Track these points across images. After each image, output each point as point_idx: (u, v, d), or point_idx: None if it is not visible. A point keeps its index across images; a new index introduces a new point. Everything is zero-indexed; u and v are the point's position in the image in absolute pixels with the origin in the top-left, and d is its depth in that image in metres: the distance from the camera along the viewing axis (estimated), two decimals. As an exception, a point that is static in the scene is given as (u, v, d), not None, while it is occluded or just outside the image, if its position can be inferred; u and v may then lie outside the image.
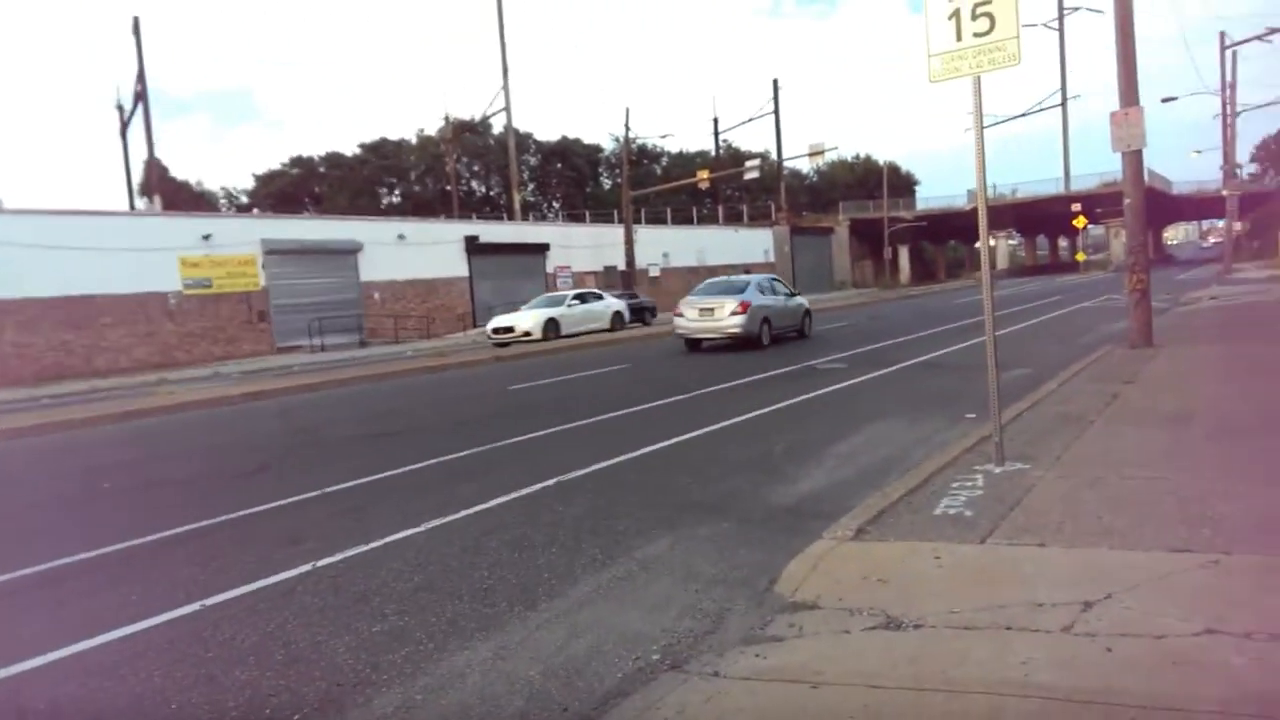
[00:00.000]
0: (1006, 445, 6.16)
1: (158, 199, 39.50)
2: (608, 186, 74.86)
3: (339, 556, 5.22)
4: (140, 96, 38.37)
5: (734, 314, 18.27)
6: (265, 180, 70.08)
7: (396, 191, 73.43)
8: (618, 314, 29.32)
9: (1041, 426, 7.29)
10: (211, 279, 30.98)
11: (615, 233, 42.82)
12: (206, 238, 30.96)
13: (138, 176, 45.70)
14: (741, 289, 19.38)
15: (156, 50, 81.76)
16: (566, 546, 5.17)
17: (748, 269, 58.77)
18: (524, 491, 6.56)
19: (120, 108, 41.16)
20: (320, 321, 32.32)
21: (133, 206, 41.70)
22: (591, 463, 7.40)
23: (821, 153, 38.32)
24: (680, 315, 19.64)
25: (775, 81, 62.02)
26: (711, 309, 18.80)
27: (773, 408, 10.00)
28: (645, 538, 5.24)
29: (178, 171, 62.36)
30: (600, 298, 29.82)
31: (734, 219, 66.59)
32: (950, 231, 74.77)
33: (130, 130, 41.43)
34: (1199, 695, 2.78)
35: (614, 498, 6.31)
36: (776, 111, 60.44)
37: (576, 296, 28.91)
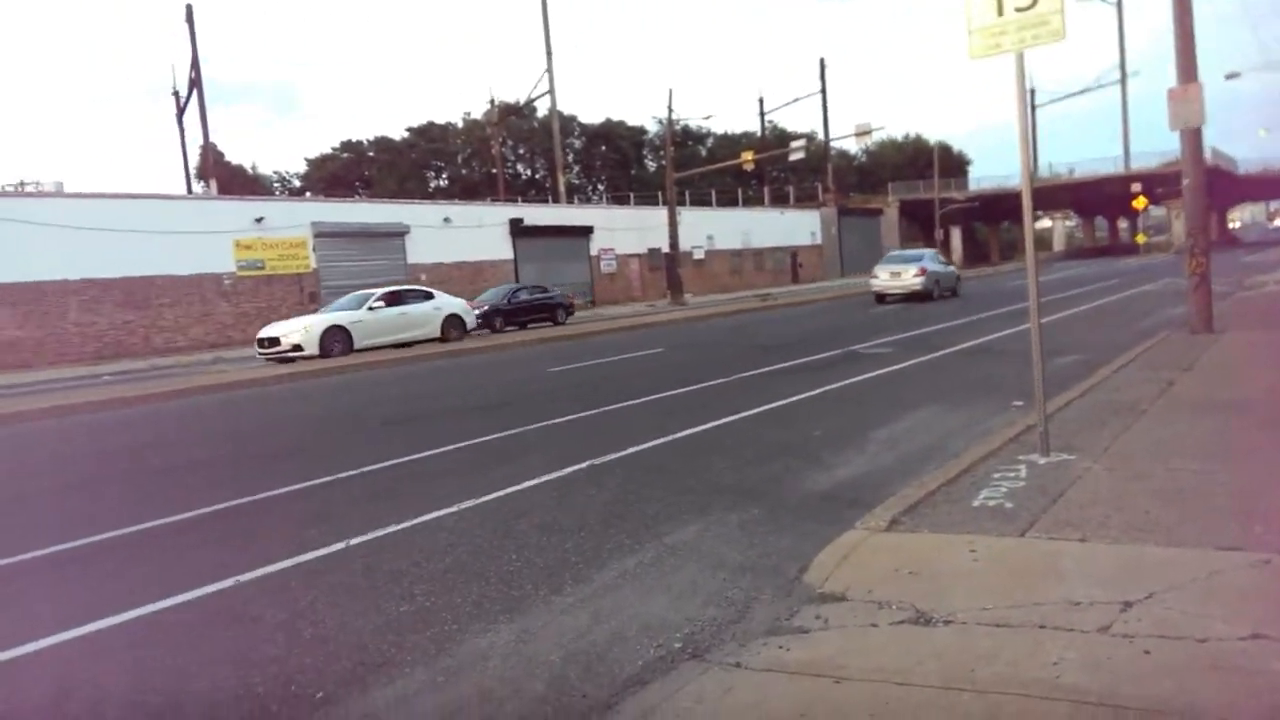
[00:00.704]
0: (1053, 435, 5.97)
1: (213, 183, 40.37)
2: (652, 169, 74.56)
3: (370, 536, 5.27)
4: (195, 83, 39.14)
5: (916, 276, 25.42)
6: (317, 164, 71.19)
7: (444, 175, 74.07)
8: (453, 319, 22.22)
9: (1091, 415, 7.06)
10: (264, 261, 31.60)
11: (659, 215, 42.63)
12: (259, 220, 31.56)
13: (194, 161, 46.71)
14: (919, 259, 26.97)
15: (212, 37, 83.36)
16: (594, 530, 5.15)
17: (794, 252, 58.23)
18: (555, 475, 6.56)
19: (176, 94, 42.06)
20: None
21: (190, 190, 42.64)
22: (625, 446, 7.37)
23: (869, 133, 37.57)
24: (874, 277, 27.01)
25: (822, 61, 61.11)
26: (899, 272, 26.04)
27: (813, 393, 9.87)
28: (675, 523, 5.19)
29: (233, 156, 63.69)
30: (428, 296, 22.41)
31: (780, 200, 65.86)
32: (1004, 212, 73.03)
33: (186, 116, 42.32)
34: (1241, 704, 2.64)
35: (646, 482, 6.27)
36: (823, 91, 59.51)
37: (387, 296, 21.29)
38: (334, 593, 4.42)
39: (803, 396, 9.64)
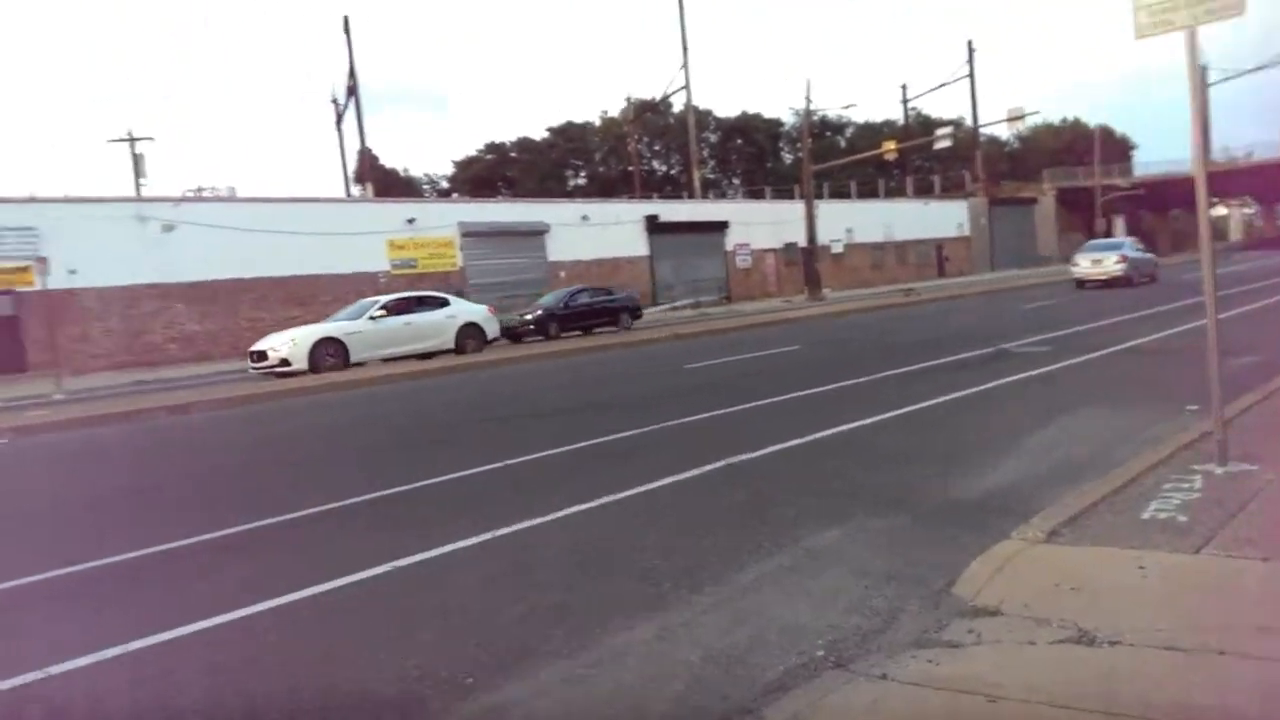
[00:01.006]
0: (1232, 442, 5.48)
1: (369, 186, 42.77)
2: (789, 161, 73.45)
3: (513, 528, 5.43)
4: (352, 91, 41.57)
5: (1117, 263, 27.04)
6: (463, 166, 74.15)
7: (582, 173, 75.60)
8: (469, 329, 20.06)
9: (1275, 422, 6.44)
10: (416, 259, 33.24)
11: (796, 208, 41.97)
12: (411, 221, 33.22)
13: (352, 166, 49.64)
14: (1119, 246, 29.03)
15: (367, 45, 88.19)
16: (732, 531, 5.12)
17: (940, 244, 56.00)
18: (692, 473, 6.56)
19: (335, 102, 44.75)
20: (510, 300, 33.92)
21: (348, 193, 45.33)
22: (762, 446, 7.29)
23: (1021, 118, 35.71)
24: (1075, 265, 28.66)
25: (970, 43, 58.42)
26: (1100, 260, 27.61)
27: (960, 394, 9.45)
28: (814, 526, 5.10)
29: (386, 160, 67.22)
30: (442, 304, 20.33)
31: (924, 191, 63.48)
32: (1173, 200, 67.56)
33: (344, 123, 44.99)
34: None
35: (784, 483, 6.19)
36: (971, 75, 56.95)
37: (391, 304, 19.45)
38: (481, 582, 4.59)
39: (950, 397, 9.25)
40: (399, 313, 19.09)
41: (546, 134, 74.51)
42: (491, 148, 75.03)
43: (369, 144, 44.51)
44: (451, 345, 19.52)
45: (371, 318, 18.60)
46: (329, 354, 17.50)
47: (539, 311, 25.46)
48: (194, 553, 5.53)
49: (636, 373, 14.53)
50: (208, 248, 28.47)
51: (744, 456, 6.97)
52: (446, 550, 5.11)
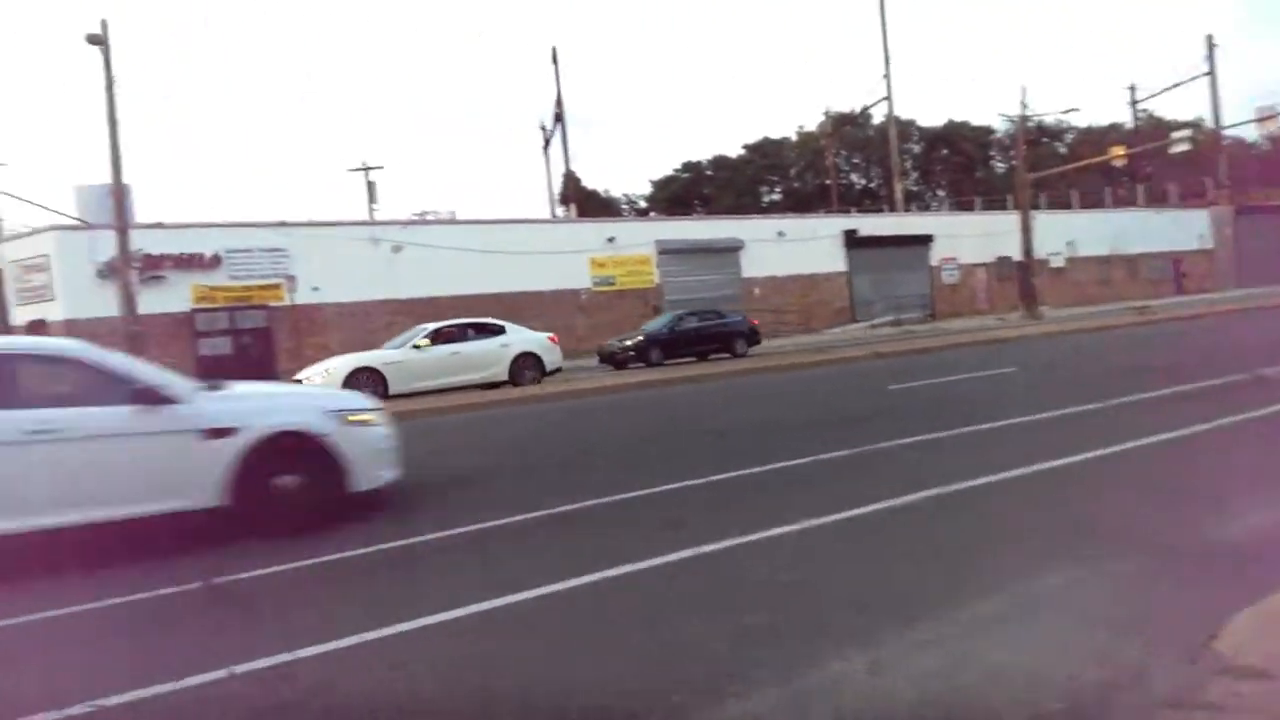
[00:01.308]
0: None
1: (573, 207, 44.70)
2: (1000, 170, 69.30)
3: (718, 546, 5.41)
4: (558, 117, 43.66)
5: None
6: (660, 185, 75.79)
7: (777, 189, 75.08)
8: (526, 359, 18.89)
9: None
10: (615, 276, 34.35)
11: (1009, 220, 39.48)
12: (611, 240, 34.37)
13: (557, 187, 52.08)
14: None
15: (573, 72, 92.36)
16: (948, 564, 4.84)
17: (1178, 258, 50.80)
18: (901, 500, 6.27)
19: (543, 128, 47.12)
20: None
21: (553, 214, 47.57)
22: (978, 475, 6.85)
23: (1273, 117, 31.65)
24: None
25: (1209, 37, 52.72)
26: None
27: (1209, 425, 8.41)
28: (1044, 566, 4.70)
29: (588, 182, 69.91)
30: (497, 332, 19.17)
31: (1159, 200, 57.86)
32: None
33: (550, 148, 47.31)
34: None
35: (1006, 517, 5.78)
36: (1212, 72, 51.44)
37: (437, 332, 18.52)
38: (685, 599, 4.60)
39: (1198, 429, 8.28)
40: (447, 341, 18.21)
41: (742, 151, 74.74)
42: (688, 166, 76.21)
43: (572, 167, 46.56)
44: (505, 377, 18.36)
45: (415, 346, 17.76)
46: (365, 385, 16.18)
47: (639, 338, 24.51)
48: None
49: (844, 391, 14.16)
50: (430, 266, 30.82)
51: (958, 485, 6.58)
52: (655, 564, 5.17)
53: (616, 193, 77.42)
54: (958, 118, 73.24)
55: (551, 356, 19.31)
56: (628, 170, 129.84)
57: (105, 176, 22.93)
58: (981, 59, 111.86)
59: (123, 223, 24.55)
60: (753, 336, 25.86)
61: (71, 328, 26.03)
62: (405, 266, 30.73)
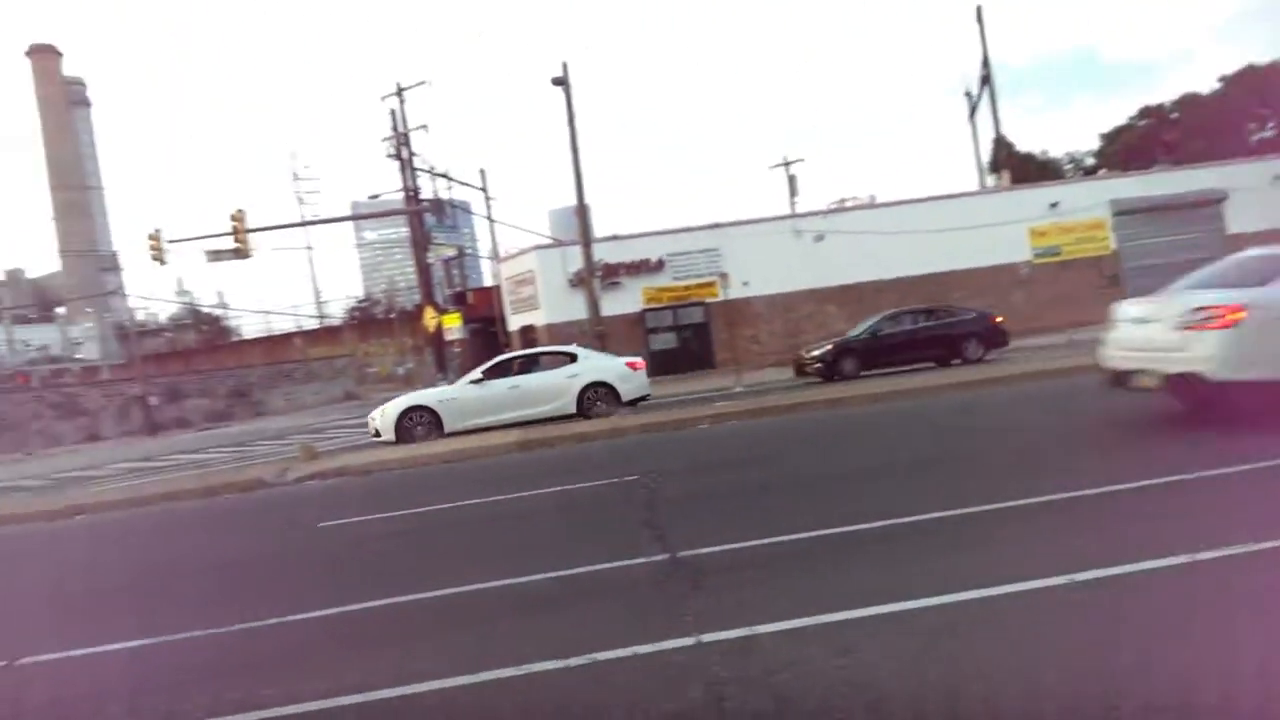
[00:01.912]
0: None
1: (1005, 174, 41.34)
2: None
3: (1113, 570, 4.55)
4: (985, 80, 40.63)
5: None
6: (1110, 138, 66.81)
7: (1269, 125, 61.65)
8: (596, 389, 17.18)
9: None
10: (1060, 246, 31.17)
11: None
12: (1053, 206, 31.22)
13: (986, 156, 48.55)
14: None
15: (995, 31, 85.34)
16: None
17: None
18: None
19: (968, 94, 44.20)
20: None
21: (982, 185, 44.49)
22: None
23: None
24: None
25: None
26: None
27: None
28: None
29: (1023, 145, 64.25)
30: (567, 360, 17.80)
31: None
32: None
33: (976, 115, 44.19)
34: None
35: None
36: None
37: (494, 368, 17.59)
38: (1110, 618, 3.93)
39: None
40: (504, 374, 17.55)
41: (1216, 85, 62.68)
42: (1144, 112, 65.98)
43: (1003, 131, 43.02)
44: (573, 409, 17.16)
45: (472, 382, 17.40)
46: (419, 424, 16.64)
47: (827, 347, 21.26)
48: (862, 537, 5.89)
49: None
50: (852, 252, 30.76)
51: None
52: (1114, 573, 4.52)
53: (1057, 152, 70.03)
54: None
55: (630, 385, 17.68)
56: (1071, 127, 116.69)
57: (570, 198, 26.64)
58: None
59: (586, 238, 28.28)
60: (993, 337, 21.30)
61: (552, 331, 30.74)
62: (828, 255, 31.07)
